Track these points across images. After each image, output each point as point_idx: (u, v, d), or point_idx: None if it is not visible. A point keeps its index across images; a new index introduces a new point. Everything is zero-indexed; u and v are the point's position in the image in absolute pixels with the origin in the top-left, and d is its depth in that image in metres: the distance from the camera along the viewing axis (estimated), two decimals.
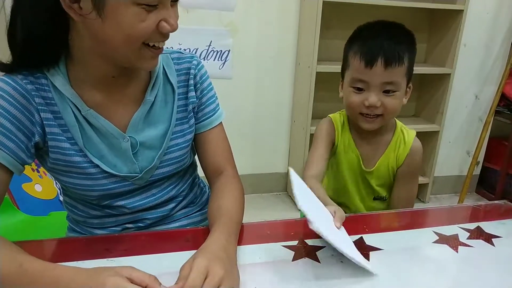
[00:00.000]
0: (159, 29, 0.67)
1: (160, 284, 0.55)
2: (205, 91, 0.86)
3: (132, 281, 0.54)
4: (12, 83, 0.68)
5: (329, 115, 1.07)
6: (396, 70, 0.90)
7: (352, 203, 1.08)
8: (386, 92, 0.91)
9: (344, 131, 1.04)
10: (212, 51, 2.14)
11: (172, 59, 0.84)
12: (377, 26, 0.95)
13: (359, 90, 0.93)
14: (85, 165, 0.75)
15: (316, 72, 2.04)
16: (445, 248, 0.75)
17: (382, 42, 0.89)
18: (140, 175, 0.79)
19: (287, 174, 2.52)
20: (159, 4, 0.65)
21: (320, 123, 1.07)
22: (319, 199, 0.89)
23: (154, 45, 0.69)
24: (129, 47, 0.67)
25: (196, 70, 0.84)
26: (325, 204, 0.85)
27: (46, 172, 1.47)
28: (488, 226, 0.83)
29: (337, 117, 1.06)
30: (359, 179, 1.05)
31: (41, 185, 1.41)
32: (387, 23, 0.95)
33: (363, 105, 0.92)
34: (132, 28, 0.64)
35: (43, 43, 0.67)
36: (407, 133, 1.03)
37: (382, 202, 1.08)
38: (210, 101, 0.87)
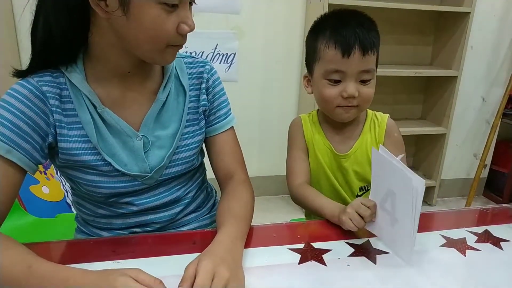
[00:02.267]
0: (179, 31, 0.69)
1: None
2: (217, 96, 0.88)
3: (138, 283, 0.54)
4: (28, 85, 0.70)
5: (299, 115, 1.05)
6: (371, 57, 0.88)
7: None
8: (362, 81, 0.90)
9: (314, 127, 1.01)
10: (218, 54, 2.15)
11: (185, 63, 0.86)
12: (343, 14, 0.92)
13: (335, 82, 0.90)
14: (97, 163, 0.76)
15: None
16: (453, 252, 0.74)
17: (354, 29, 0.86)
18: (150, 174, 0.80)
19: None
20: (179, 4, 0.67)
21: (289, 126, 1.05)
22: (316, 201, 0.88)
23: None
24: (152, 46, 0.69)
25: (209, 75, 0.87)
26: (325, 206, 0.84)
27: (53, 174, 1.48)
28: (496, 230, 0.82)
29: (306, 116, 1.04)
30: (338, 173, 1.01)
31: (48, 187, 1.42)
32: (350, 10, 0.92)
33: (341, 97, 0.90)
34: (154, 29, 0.66)
35: (63, 41, 0.69)
36: (380, 116, 1.02)
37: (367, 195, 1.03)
38: (222, 106, 0.89)
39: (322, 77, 0.91)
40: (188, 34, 0.72)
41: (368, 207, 0.75)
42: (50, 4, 0.67)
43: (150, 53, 0.71)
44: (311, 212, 0.94)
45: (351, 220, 0.75)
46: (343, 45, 0.86)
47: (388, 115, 1.02)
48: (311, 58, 0.95)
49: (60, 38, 0.69)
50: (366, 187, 1.02)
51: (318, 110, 1.05)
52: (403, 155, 0.81)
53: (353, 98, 0.89)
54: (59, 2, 0.66)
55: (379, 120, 1.01)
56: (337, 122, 0.98)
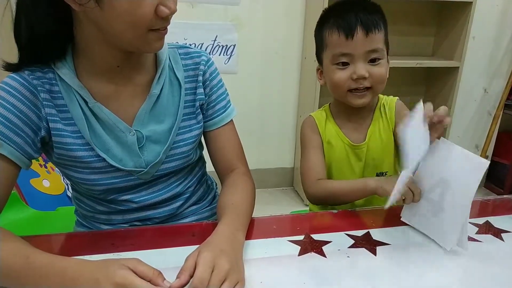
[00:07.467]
0: (158, 14, 0.65)
1: (164, 279, 0.55)
2: (215, 88, 0.86)
3: (136, 275, 0.54)
4: (19, 79, 0.69)
5: (310, 113, 1.05)
6: (377, 36, 0.89)
7: None
8: (372, 61, 0.90)
9: (329, 123, 1.01)
10: (218, 46, 2.13)
11: (179, 54, 0.83)
12: (346, 3, 0.94)
13: (344, 65, 0.90)
14: (90, 159, 0.75)
15: None
16: None
17: (357, 13, 0.88)
18: (146, 169, 0.79)
19: (293, 169, 2.52)
20: None
21: (302, 126, 1.04)
22: (342, 187, 0.90)
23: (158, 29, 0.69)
24: (133, 33, 0.66)
25: (206, 67, 0.84)
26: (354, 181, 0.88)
27: (54, 168, 1.48)
28: (497, 221, 0.82)
29: (318, 113, 1.03)
30: (356, 165, 1.01)
31: (49, 180, 1.42)
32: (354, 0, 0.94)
33: (351, 80, 0.90)
34: (131, 15, 0.63)
35: (47, 37, 0.68)
36: (389, 98, 1.03)
37: None
38: (220, 99, 0.87)
39: (330, 63, 0.92)
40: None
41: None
42: (29, 2, 0.65)
43: (133, 41, 0.68)
44: (334, 202, 0.93)
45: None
46: (345, 27, 0.88)
47: (397, 98, 1.03)
48: (319, 49, 0.96)
49: (44, 35, 0.67)
50: (384, 174, 1.02)
51: (329, 104, 1.05)
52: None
53: (364, 79, 0.89)
54: (38, 1, 0.65)
55: (388, 103, 1.02)
56: (350, 112, 0.98)
